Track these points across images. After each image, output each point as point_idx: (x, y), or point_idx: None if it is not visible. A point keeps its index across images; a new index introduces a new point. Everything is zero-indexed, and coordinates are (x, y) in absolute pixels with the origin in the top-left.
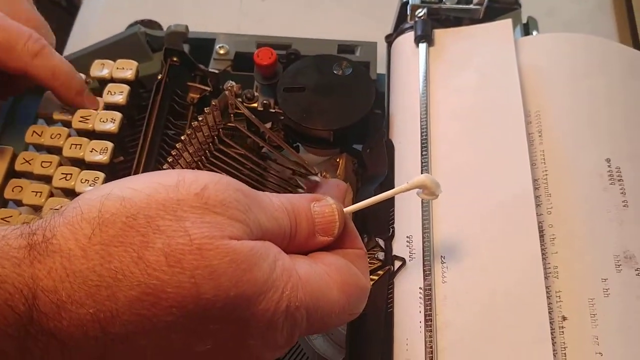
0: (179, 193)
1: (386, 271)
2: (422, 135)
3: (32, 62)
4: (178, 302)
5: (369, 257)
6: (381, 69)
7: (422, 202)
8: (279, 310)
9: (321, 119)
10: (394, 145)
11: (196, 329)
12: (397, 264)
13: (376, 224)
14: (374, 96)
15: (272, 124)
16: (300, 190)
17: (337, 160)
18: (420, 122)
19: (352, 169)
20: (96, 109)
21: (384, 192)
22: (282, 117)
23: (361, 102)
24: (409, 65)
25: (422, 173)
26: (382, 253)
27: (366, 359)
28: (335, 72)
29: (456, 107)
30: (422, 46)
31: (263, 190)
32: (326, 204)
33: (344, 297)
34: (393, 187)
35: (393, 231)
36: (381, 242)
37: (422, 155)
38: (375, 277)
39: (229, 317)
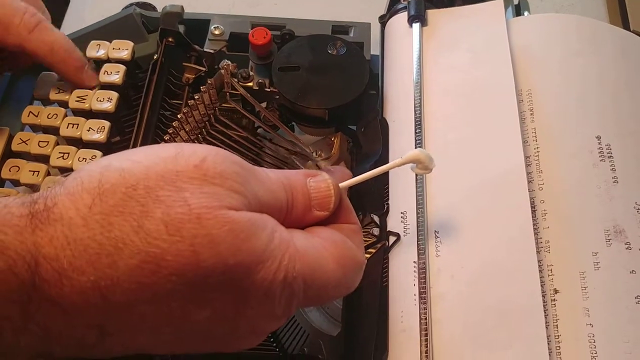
0: (177, 164)
1: (381, 246)
2: (415, 113)
3: (29, 37)
4: (177, 270)
5: (364, 233)
6: (375, 50)
7: (417, 179)
8: (276, 279)
9: (316, 98)
10: (388, 123)
11: (195, 297)
12: (392, 239)
13: (371, 201)
14: (368, 75)
15: (267, 104)
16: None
17: (332, 139)
18: (414, 100)
19: (347, 148)
20: (95, 86)
21: None
22: (278, 97)
23: (355, 80)
24: (403, 45)
25: None
26: (377, 229)
27: (362, 332)
28: (329, 51)
29: (449, 86)
30: (416, 26)
31: None
32: (322, 179)
33: (340, 269)
34: None
35: (388, 207)
36: (376, 219)
37: (415, 132)
38: (370, 255)
39: (228, 286)
